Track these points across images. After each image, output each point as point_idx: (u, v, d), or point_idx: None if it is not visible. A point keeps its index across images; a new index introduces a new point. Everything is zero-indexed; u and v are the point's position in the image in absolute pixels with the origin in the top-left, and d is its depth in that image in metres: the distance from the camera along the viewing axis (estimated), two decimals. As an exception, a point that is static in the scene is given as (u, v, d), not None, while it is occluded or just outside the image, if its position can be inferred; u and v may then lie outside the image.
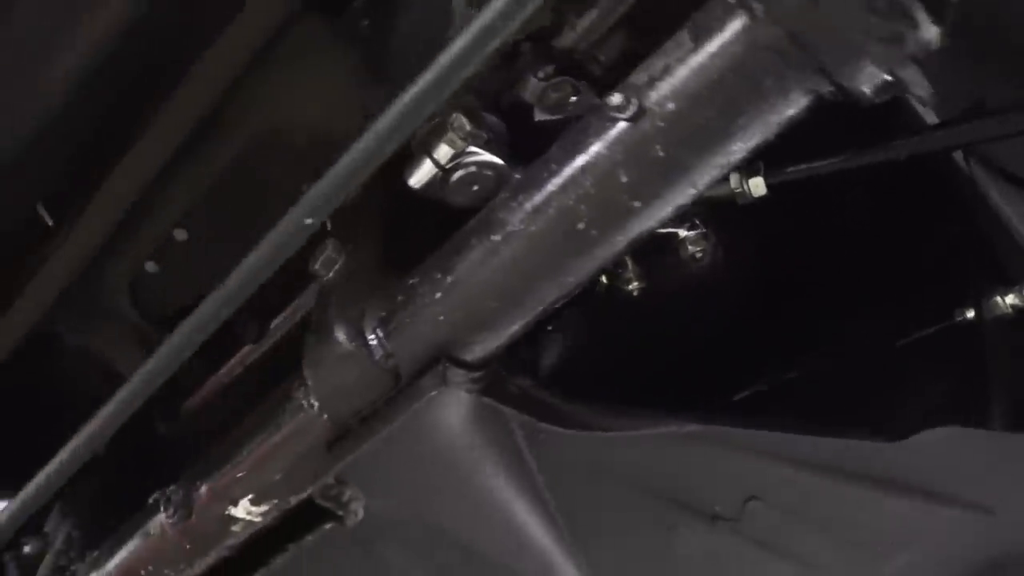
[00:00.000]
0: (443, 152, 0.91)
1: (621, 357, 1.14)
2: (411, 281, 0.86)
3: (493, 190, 0.87)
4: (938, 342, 1.07)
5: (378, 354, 0.86)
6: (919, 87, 0.65)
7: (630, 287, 1.06)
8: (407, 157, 0.96)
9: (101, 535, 1.13)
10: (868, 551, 1.03)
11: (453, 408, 0.86)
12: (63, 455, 1.01)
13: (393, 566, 1.01)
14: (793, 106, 0.70)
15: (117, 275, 1.27)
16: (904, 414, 1.02)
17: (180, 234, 1.26)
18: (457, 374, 0.84)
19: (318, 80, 1.11)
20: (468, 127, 0.89)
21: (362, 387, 0.87)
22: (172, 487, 0.99)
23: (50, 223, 1.16)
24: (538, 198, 0.77)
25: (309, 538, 0.97)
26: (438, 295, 0.83)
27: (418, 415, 0.85)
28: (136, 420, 1.23)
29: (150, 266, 1.29)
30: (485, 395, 0.85)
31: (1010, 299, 1.01)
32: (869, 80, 0.66)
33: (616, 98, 0.71)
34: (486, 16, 0.67)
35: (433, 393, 0.83)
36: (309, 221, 0.78)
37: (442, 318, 0.83)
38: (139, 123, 1.04)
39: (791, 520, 1.00)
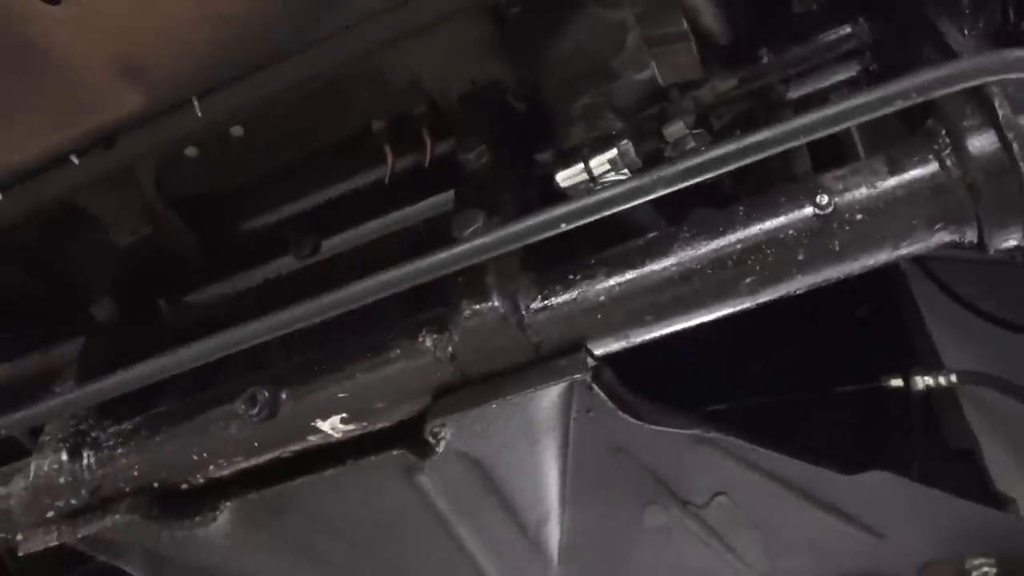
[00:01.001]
0: (600, 166, 1.04)
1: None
2: (570, 274, 0.99)
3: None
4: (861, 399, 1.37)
5: (527, 328, 0.99)
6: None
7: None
8: (560, 155, 1.08)
9: (123, 405, 1.14)
10: (780, 550, 1.31)
11: (564, 386, 1.01)
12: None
13: (427, 501, 1.13)
14: (934, 244, 0.93)
15: (155, 148, 1.25)
16: (835, 450, 1.31)
17: (236, 131, 1.27)
18: (591, 363, 0.99)
19: (445, 41, 1.18)
20: (631, 156, 1.03)
21: (503, 352, 0.99)
22: (258, 387, 1.04)
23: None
24: (722, 243, 0.94)
25: (372, 458, 1.07)
26: (600, 295, 0.97)
27: (546, 390, 0.99)
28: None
29: (190, 151, 1.28)
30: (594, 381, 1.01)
31: (928, 380, 1.33)
32: (1006, 241, 0.90)
33: (823, 198, 0.90)
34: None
35: (575, 375, 0.97)
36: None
37: (599, 316, 0.97)
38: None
39: (743, 518, 1.25)
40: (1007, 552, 1.31)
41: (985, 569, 1.32)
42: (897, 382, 1.34)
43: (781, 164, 1.09)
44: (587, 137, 1.08)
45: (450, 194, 1.20)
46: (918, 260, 1.44)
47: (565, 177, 1.05)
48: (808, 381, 1.41)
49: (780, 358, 1.46)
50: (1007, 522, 1.28)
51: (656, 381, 1.21)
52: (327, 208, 1.36)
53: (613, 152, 1.03)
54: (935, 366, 1.35)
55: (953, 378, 1.35)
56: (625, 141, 1.02)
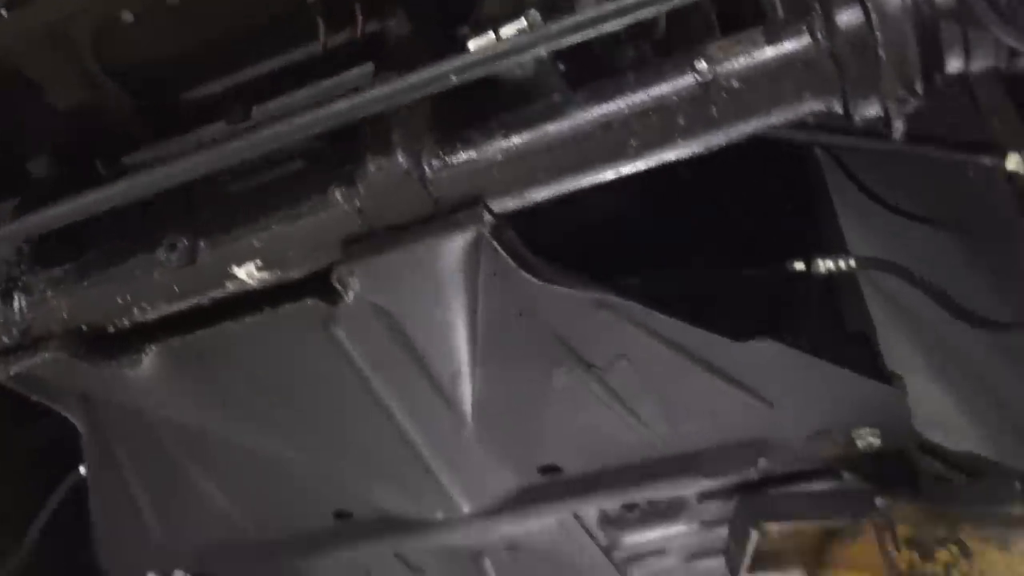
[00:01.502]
0: (509, 34, 1.09)
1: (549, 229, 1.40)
2: (470, 132, 1.05)
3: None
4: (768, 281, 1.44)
5: (429, 184, 1.05)
6: (896, 129, 0.97)
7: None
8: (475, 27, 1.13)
9: (54, 253, 1.20)
10: (679, 416, 1.40)
11: (466, 241, 1.08)
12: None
13: (345, 355, 1.21)
14: (804, 111, 0.99)
15: (88, 7, 1.29)
16: (737, 326, 1.38)
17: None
18: (488, 218, 1.06)
19: None
20: (539, 24, 1.08)
21: (405, 206, 1.06)
22: (178, 235, 1.11)
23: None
24: (611, 107, 1.00)
25: (288, 306, 1.14)
26: (498, 154, 1.03)
27: (446, 241, 1.06)
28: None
29: (126, 15, 1.32)
30: (493, 236, 1.08)
31: (829, 264, 1.40)
32: (868, 112, 0.96)
33: (702, 64, 0.96)
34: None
35: (469, 228, 1.04)
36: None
37: (495, 173, 1.04)
38: None
39: (643, 382, 1.34)
40: (890, 424, 1.41)
41: (870, 439, 1.42)
42: (800, 266, 1.41)
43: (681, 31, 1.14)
44: (502, 9, 1.13)
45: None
46: (830, 150, 1.50)
47: (476, 45, 1.10)
48: (719, 264, 1.48)
49: (695, 239, 1.53)
50: (892, 395, 1.37)
51: (568, 259, 1.28)
52: (262, 80, 1.40)
53: (522, 21, 1.08)
54: (839, 252, 1.42)
55: (852, 263, 1.42)
56: (533, 10, 1.07)
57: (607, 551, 1.72)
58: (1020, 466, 1.53)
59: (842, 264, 1.42)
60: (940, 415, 1.49)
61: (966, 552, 1.40)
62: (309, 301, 1.14)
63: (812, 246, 1.46)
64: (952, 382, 1.53)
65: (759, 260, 1.45)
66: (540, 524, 1.59)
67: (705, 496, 1.58)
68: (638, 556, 1.75)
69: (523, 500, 1.54)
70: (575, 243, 1.33)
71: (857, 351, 1.41)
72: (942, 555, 1.39)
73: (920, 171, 1.52)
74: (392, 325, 1.18)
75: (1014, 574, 1.39)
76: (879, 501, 1.42)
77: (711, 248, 1.46)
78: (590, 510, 1.61)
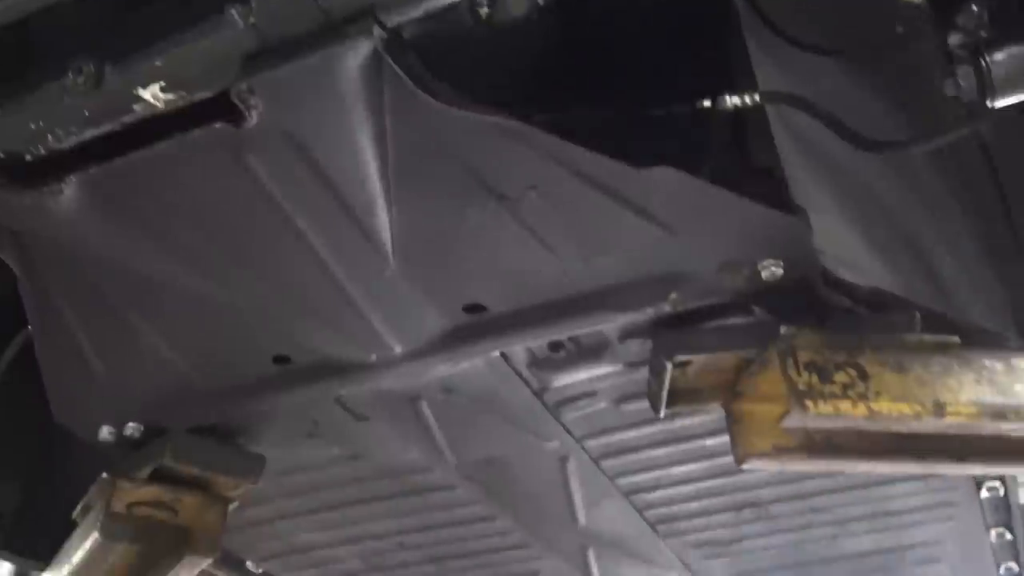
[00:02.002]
0: None
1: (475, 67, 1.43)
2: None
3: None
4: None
5: (319, -3, 1.09)
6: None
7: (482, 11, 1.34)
8: None
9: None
10: (590, 249, 1.45)
11: (361, 56, 1.12)
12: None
13: (260, 185, 1.26)
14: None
15: None
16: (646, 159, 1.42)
17: None
18: (378, 30, 1.10)
19: None
20: None
21: (296, 19, 1.10)
22: (84, 59, 1.15)
23: None
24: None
25: (197, 131, 1.19)
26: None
27: (338, 55, 1.10)
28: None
29: None
30: (388, 52, 1.12)
31: (735, 100, 1.45)
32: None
33: None
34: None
35: (361, 41, 1.08)
36: None
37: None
38: None
39: (553, 212, 1.39)
40: (794, 255, 1.46)
41: (773, 269, 1.48)
42: (707, 103, 1.46)
43: None
44: None
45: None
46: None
47: None
48: (631, 103, 1.51)
49: (606, 79, 1.56)
50: (795, 227, 1.43)
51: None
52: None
53: None
54: (748, 88, 1.46)
55: (758, 97, 1.47)
56: None
57: (539, 394, 1.80)
58: (923, 301, 1.60)
59: (747, 99, 1.47)
60: (849, 253, 1.53)
61: (863, 375, 1.47)
62: (217, 124, 1.18)
63: (723, 85, 1.50)
64: (862, 220, 1.58)
65: (671, 99, 1.49)
66: (471, 365, 1.66)
67: (625, 334, 1.65)
68: (569, 399, 1.83)
69: (451, 340, 1.60)
70: (485, 83, 1.37)
71: (762, 184, 1.46)
72: (840, 377, 1.46)
73: (831, 5, 1.56)
74: (301, 151, 1.22)
75: (907, 392, 1.46)
76: (783, 329, 1.48)
77: (622, 87, 1.50)
78: (517, 350, 1.68)
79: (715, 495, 2.19)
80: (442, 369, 1.66)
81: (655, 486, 2.15)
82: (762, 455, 1.58)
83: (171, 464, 1.85)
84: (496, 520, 2.27)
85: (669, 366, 1.55)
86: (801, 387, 1.44)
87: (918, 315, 1.54)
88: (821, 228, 1.45)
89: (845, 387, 1.44)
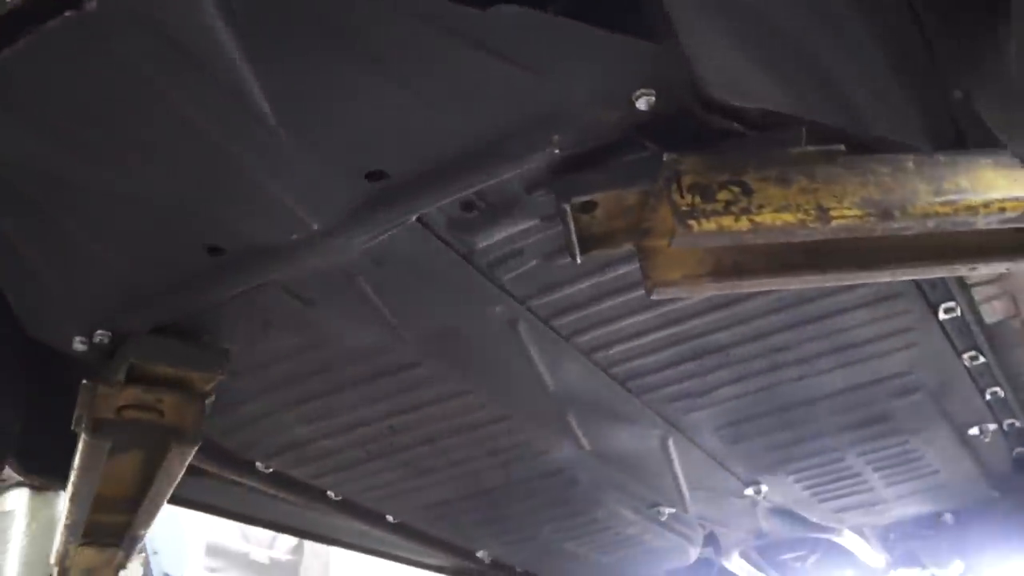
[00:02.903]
0: None
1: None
2: None
3: None
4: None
5: None
6: None
7: None
8: None
9: None
10: (462, 99, 1.50)
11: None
12: None
13: (128, 71, 1.33)
14: None
15: None
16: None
17: None
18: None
19: None
20: None
21: None
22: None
23: None
24: None
25: (51, 22, 1.27)
26: None
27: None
28: None
29: None
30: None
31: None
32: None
33: None
34: None
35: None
36: None
37: None
38: None
39: (420, 66, 1.44)
40: (666, 82, 1.50)
41: (646, 98, 1.52)
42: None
43: None
44: None
45: None
46: None
47: None
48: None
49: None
50: (663, 54, 1.46)
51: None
52: None
53: None
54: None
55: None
56: None
57: (467, 257, 1.88)
58: (821, 117, 1.62)
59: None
60: (734, 76, 1.55)
61: (747, 191, 1.52)
62: (67, 13, 1.26)
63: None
64: (751, 41, 1.57)
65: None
66: (392, 235, 1.74)
67: (530, 186, 1.71)
68: (499, 260, 1.91)
69: (364, 211, 1.68)
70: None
71: (627, 11, 1.48)
72: (723, 195, 1.51)
73: None
74: (152, 25, 1.29)
75: (790, 202, 1.51)
76: (666, 157, 1.53)
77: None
78: (434, 215, 1.75)
79: (672, 344, 2.26)
80: (364, 241, 1.74)
81: (612, 341, 2.22)
82: (670, 283, 1.65)
83: (140, 364, 1.98)
84: (470, 395, 2.38)
85: (568, 208, 1.61)
86: (684, 208, 1.49)
87: (803, 130, 1.57)
88: (698, 53, 1.48)
89: (728, 204, 1.49)
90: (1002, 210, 1.53)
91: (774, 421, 2.66)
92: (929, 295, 2.19)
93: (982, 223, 1.55)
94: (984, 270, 1.76)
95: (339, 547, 3.71)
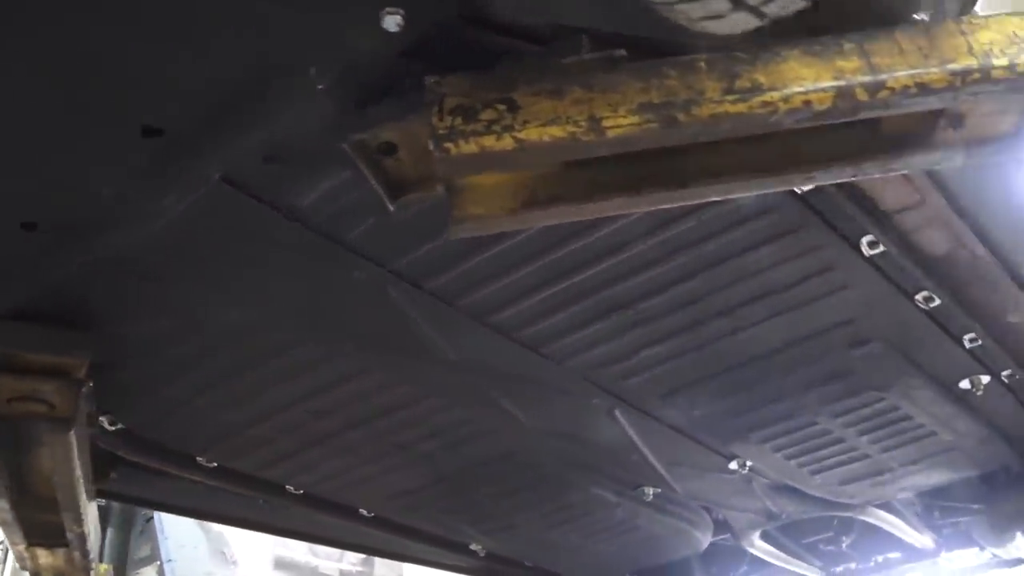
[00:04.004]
0: None
1: None
2: None
3: None
4: None
5: None
6: None
7: None
8: None
9: None
10: (216, 44, 1.42)
11: None
12: None
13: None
14: None
15: None
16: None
17: None
18: None
19: None
20: None
21: None
22: None
23: None
24: None
25: None
26: None
27: None
28: None
29: None
30: None
31: None
32: None
33: None
34: None
35: None
36: None
37: None
38: None
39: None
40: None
41: (392, 18, 1.40)
42: None
43: None
44: None
45: None
46: None
47: None
48: None
49: None
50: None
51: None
52: None
53: None
54: None
55: None
56: None
57: (297, 218, 1.80)
58: (618, 27, 1.48)
59: None
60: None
61: (513, 107, 1.39)
62: None
63: None
64: None
65: None
66: (202, 198, 1.68)
67: (323, 133, 1.61)
68: (334, 218, 1.83)
69: (154, 171, 1.60)
70: None
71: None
72: (487, 115, 1.39)
73: None
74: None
75: (559, 115, 1.38)
76: (427, 80, 1.42)
77: None
78: (236, 172, 1.67)
79: (571, 302, 2.12)
80: (174, 203, 1.68)
81: (502, 303, 2.10)
82: (469, 220, 1.53)
83: (4, 352, 1.97)
84: (372, 372, 2.29)
85: (348, 149, 1.52)
86: (442, 131, 1.38)
87: (584, 38, 1.44)
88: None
89: (490, 123, 1.38)
90: (807, 104, 1.35)
91: (724, 384, 2.48)
92: (841, 228, 1.99)
93: (790, 122, 1.37)
94: (825, 179, 1.58)
95: (352, 551, 3.67)
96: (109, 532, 3.98)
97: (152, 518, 4.02)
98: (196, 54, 1.43)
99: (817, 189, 1.87)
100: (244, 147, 1.57)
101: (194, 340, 2.12)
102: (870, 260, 2.08)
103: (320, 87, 1.45)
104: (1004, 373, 2.62)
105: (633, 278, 2.06)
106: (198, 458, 2.64)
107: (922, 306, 2.25)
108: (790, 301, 2.18)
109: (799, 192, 1.87)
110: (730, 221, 1.92)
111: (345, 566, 7.30)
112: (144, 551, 3.87)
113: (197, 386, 2.29)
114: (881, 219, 2.01)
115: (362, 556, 7.41)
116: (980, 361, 2.53)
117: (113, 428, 2.41)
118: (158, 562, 3.94)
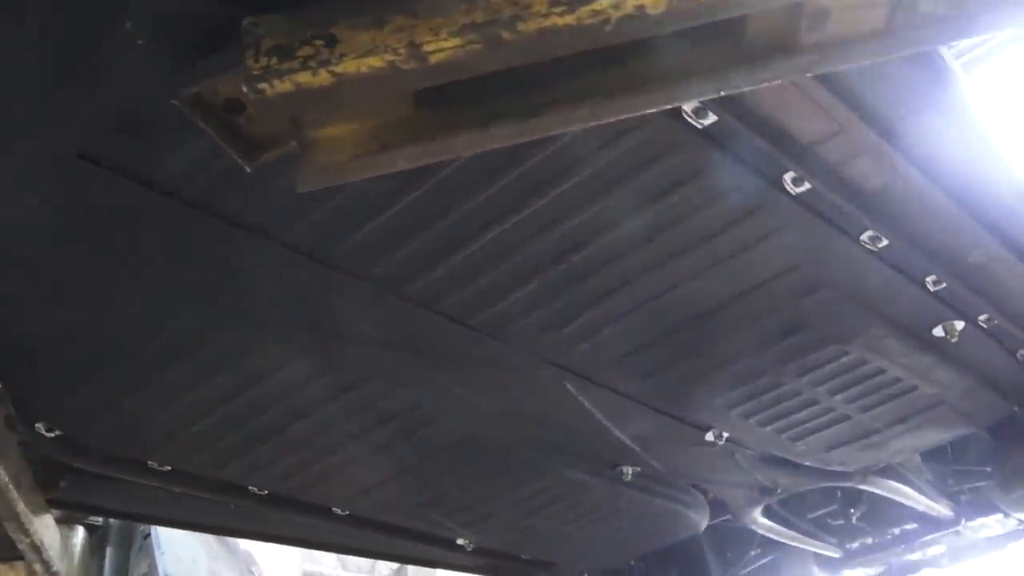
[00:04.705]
0: None
1: None
2: None
3: None
4: None
5: None
6: None
7: None
8: None
9: None
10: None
11: None
12: None
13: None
14: None
15: None
16: None
17: None
18: None
19: None
20: None
21: None
22: None
23: None
24: None
25: None
26: None
27: None
28: None
29: None
30: None
31: None
32: None
33: None
34: None
35: None
36: None
37: None
38: None
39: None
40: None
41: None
42: None
43: None
44: None
45: None
46: None
47: None
48: None
49: None
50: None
51: None
52: None
53: None
54: None
55: None
56: None
57: (169, 192, 1.74)
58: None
59: None
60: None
61: (331, 41, 1.31)
62: None
63: None
64: None
65: None
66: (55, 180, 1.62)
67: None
68: (209, 189, 1.75)
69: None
70: None
71: None
72: (304, 52, 1.32)
73: None
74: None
75: (378, 45, 1.29)
76: (244, 23, 1.35)
77: None
78: (91, 146, 1.62)
79: (484, 267, 2.03)
80: (33, 185, 1.63)
81: (410, 272, 2.02)
82: (321, 169, 1.46)
83: None
84: (297, 358, 2.22)
85: (181, 106, 1.45)
86: (256, 72, 1.30)
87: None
88: None
89: (306, 59, 1.30)
90: (640, 8, 1.25)
91: (673, 346, 2.36)
92: (756, 165, 1.88)
93: (628, 32, 1.27)
94: (688, 97, 1.47)
95: (340, 553, 3.60)
96: (108, 551, 3.96)
97: (150, 534, 3.99)
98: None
99: (721, 123, 1.76)
100: (89, 118, 1.51)
101: (103, 334, 2.06)
102: (799, 200, 1.96)
103: (140, 42, 1.38)
104: (981, 318, 2.47)
105: (545, 234, 1.96)
106: (149, 462, 2.58)
107: (869, 247, 2.12)
108: (722, 250, 2.06)
109: (700, 128, 1.76)
110: (634, 163, 1.81)
111: (376, 579, 7.23)
112: (143, 567, 3.86)
113: (120, 383, 2.23)
114: (800, 153, 1.89)
115: (394, 565, 7.34)
116: (950, 305, 2.38)
117: (51, 435, 2.36)
118: (156, 577, 3.93)
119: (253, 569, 6.39)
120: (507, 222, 1.92)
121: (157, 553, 3.81)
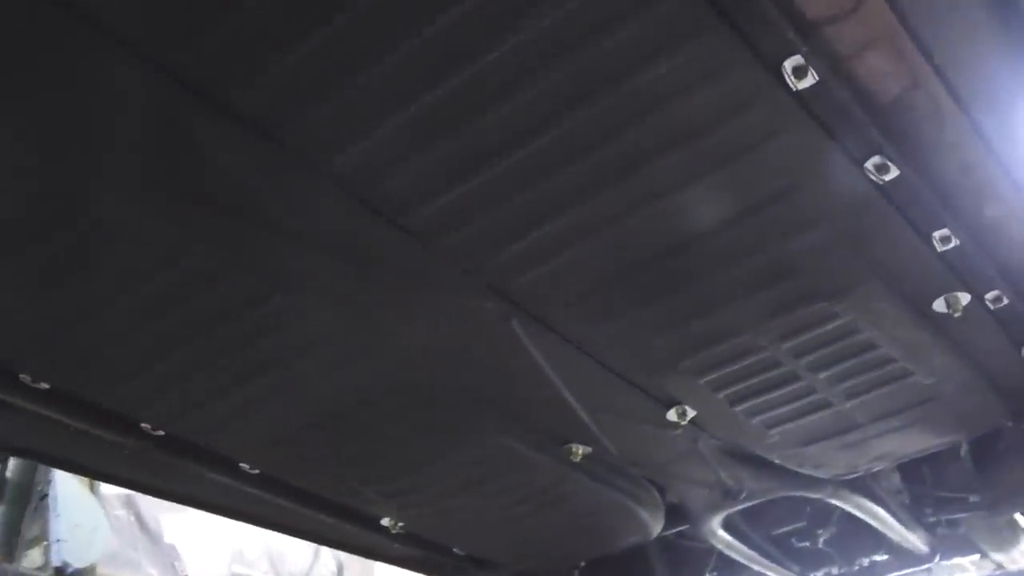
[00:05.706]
0: None
1: None
2: None
3: None
4: None
5: None
6: None
7: None
8: None
9: None
10: None
11: None
12: None
13: None
14: None
15: None
16: None
17: None
18: None
19: None
20: None
21: None
22: None
23: None
24: None
25: None
26: None
27: None
28: None
29: None
30: None
31: None
32: None
33: None
34: None
35: None
36: None
37: None
38: None
39: None
40: None
41: None
42: None
43: None
44: None
45: None
46: None
47: None
48: None
49: None
50: None
51: None
52: None
53: None
54: None
55: None
56: None
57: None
58: None
59: None
60: None
61: None
62: None
63: None
64: None
65: None
66: None
67: None
68: None
69: None
70: None
71: None
72: None
73: None
74: None
75: None
76: None
77: None
78: None
79: (420, 148, 1.70)
80: None
81: (337, 139, 1.69)
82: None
83: None
84: (195, 245, 1.88)
85: None
86: None
87: None
88: None
89: None
90: None
91: (639, 283, 2.03)
92: (755, 39, 1.56)
93: None
94: None
95: (246, 522, 3.21)
96: (1, 508, 3.55)
97: (47, 495, 3.58)
98: None
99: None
100: None
101: None
102: (799, 97, 1.65)
103: None
104: (989, 295, 2.14)
105: (493, 110, 1.63)
106: (21, 375, 2.21)
107: (875, 178, 1.81)
108: (707, 152, 1.74)
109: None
110: (602, 17, 1.50)
111: (311, 585, 6.86)
112: (35, 530, 3.46)
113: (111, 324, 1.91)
114: (808, 32, 1.57)
115: (333, 568, 7.00)
116: (957, 273, 2.06)
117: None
118: (46, 542, 3.51)
119: (176, 565, 5.98)
120: (440, 86, 1.59)
121: (52, 515, 3.41)
